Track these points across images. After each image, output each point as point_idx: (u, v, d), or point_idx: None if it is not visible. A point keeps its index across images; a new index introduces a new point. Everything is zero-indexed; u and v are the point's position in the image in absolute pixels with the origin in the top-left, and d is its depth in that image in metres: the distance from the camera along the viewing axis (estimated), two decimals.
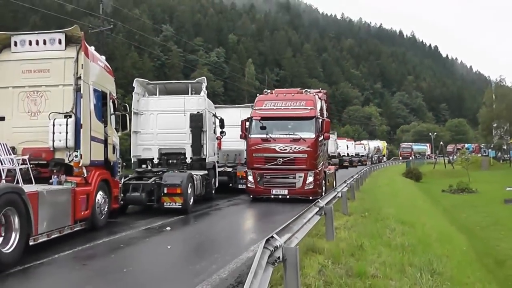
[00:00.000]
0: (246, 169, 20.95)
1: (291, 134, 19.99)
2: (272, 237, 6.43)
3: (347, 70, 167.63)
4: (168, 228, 13.59)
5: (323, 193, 19.51)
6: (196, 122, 18.84)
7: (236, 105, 29.31)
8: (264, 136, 20.16)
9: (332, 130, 67.28)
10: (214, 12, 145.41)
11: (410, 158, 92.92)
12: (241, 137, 21.07)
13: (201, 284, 7.85)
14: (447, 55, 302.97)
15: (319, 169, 20.07)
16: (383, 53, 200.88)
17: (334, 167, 26.63)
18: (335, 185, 23.75)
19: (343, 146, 67.04)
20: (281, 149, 19.75)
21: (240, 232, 13.85)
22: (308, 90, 21.61)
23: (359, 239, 11.03)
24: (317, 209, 11.11)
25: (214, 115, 21.68)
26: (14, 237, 8.96)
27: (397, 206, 20.69)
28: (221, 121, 21.32)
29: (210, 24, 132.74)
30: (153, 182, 16.49)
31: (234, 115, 24.07)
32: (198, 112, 19.36)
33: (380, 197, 23.52)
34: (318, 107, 20.96)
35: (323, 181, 20.77)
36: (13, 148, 11.83)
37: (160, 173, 17.26)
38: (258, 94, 22.00)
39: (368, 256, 9.71)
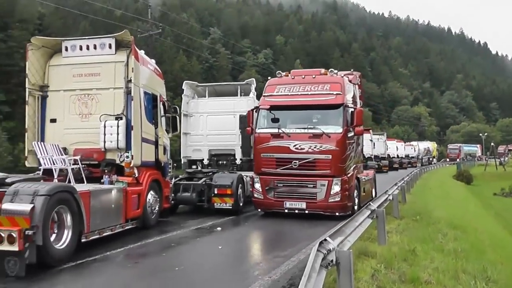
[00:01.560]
0: (252, 174, 15.31)
1: (310, 128, 14.49)
2: (325, 240, 6.07)
3: (395, 69, 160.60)
4: (219, 228, 13.31)
5: (355, 207, 14.30)
6: (246, 123, 17.11)
7: None
8: (275, 130, 14.65)
9: (382, 131, 61.80)
10: (261, 13, 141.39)
11: (458, 159, 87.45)
12: (247, 133, 15.43)
13: (253, 285, 7.44)
14: (496, 52, 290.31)
15: (349, 174, 14.70)
16: (431, 51, 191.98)
17: (372, 171, 20.18)
18: (375, 195, 18.86)
19: (393, 148, 62.76)
20: (297, 148, 14.39)
21: (292, 234, 12.78)
22: (334, 70, 15.55)
23: (411, 244, 10.56)
24: (369, 212, 10.65)
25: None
26: (67, 234, 9.03)
27: (448, 209, 19.58)
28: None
29: (258, 25, 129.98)
30: (204, 183, 16.13)
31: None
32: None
33: (431, 200, 21.92)
34: (348, 93, 15.35)
35: (355, 191, 15.30)
36: (64, 149, 12.07)
37: (210, 173, 16.81)
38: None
39: (421, 261, 9.25)
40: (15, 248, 7.58)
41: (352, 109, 14.55)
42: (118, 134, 11.77)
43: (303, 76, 15.48)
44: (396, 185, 19.44)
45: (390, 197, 15.22)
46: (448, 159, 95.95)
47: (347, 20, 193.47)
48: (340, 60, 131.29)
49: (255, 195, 14.96)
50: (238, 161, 18.44)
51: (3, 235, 7.63)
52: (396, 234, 11.82)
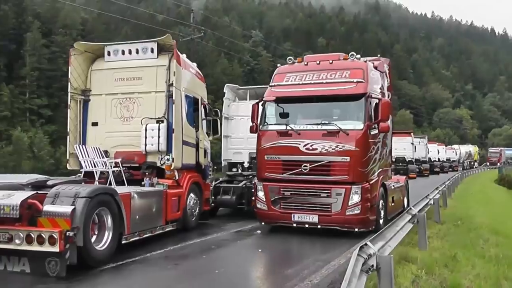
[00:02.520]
0: (255, 181, 12.35)
1: (324, 124, 11.44)
2: (365, 244, 5.90)
3: (437, 70, 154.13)
4: (259, 231, 12.58)
5: (381, 221, 11.78)
6: None
7: None
8: (282, 127, 11.67)
9: (423, 134, 58.10)
10: (303, 16, 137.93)
11: (499, 164, 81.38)
12: (251, 131, 12.43)
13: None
14: None
15: (373, 181, 11.55)
16: (474, 52, 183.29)
17: (403, 178, 16.44)
18: (407, 205, 15.37)
19: (434, 151, 59.53)
20: (308, 149, 11.35)
21: (333, 237, 11.37)
22: (355, 54, 12.37)
23: (452, 249, 9.99)
24: (410, 216, 10.13)
25: None
26: (107, 236, 8.88)
27: (490, 215, 18.59)
28: None
29: (299, 28, 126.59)
30: (244, 186, 15.41)
31: None
32: None
33: (473, 205, 20.66)
34: (373, 82, 12.18)
35: (381, 201, 12.06)
36: (105, 152, 12.01)
37: (250, 176, 15.86)
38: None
39: (462, 268, 8.74)
40: (56, 249, 7.48)
41: (377, 101, 11.44)
42: (159, 137, 11.64)
43: (318, 62, 12.26)
44: (437, 189, 18.36)
45: (431, 202, 14.36)
46: (488, 163, 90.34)
47: (389, 21, 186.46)
48: None
49: (258, 205, 11.97)
50: None
51: (44, 236, 7.54)
52: (437, 239, 11.26)
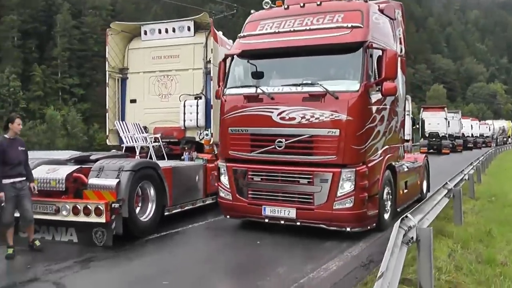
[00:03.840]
0: (218, 162, 9.12)
1: (306, 85, 7.97)
2: (406, 216, 5.60)
3: (472, 44, 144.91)
4: None
5: (386, 216, 8.57)
6: None
7: None
8: (251, 90, 8.33)
9: (456, 109, 53.74)
10: None
11: None
12: (216, 96, 9.16)
13: (333, 260, 6.86)
14: None
15: (373, 163, 7.99)
16: (509, 24, 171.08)
17: (422, 156, 12.59)
18: (427, 190, 12.20)
19: (467, 126, 54.60)
20: (283, 118, 7.95)
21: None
22: None
23: (487, 225, 9.34)
24: (446, 191, 9.31)
25: None
26: (151, 208, 8.65)
27: None
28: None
29: None
30: None
31: None
32: None
33: (507, 181, 18.69)
34: (378, 30, 8.48)
35: (386, 189, 8.54)
36: (145, 128, 11.83)
37: None
38: None
39: (497, 243, 8.23)
40: (102, 220, 7.49)
41: (380, 53, 7.77)
42: (197, 113, 11.36)
43: (302, 5, 8.55)
44: (471, 164, 17.19)
45: (466, 177, 13.29)
46: None
47: None
48: (415, 35, 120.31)
49: (221, 194, 8.66)
50: None
51: (90, 208, 7.55)
52: (471, 214, 10.62)
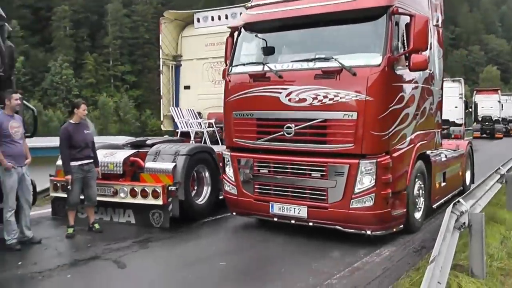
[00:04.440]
0: (222, 151, 7.90)
1: (318, 60, 6.53)
2: (458, 201, 5.41)
3: None
4: None
5: (417, 215, 7.13)
6: None
7: None
8: (257, 69, 6.97)
9: (510, 92, 50.05)
10: None
11: None
12: (223, 76, 7.88)
13: (386, 245, 6.43)
14: None
15: (399, 152, 6.48)
16: None
17: (465, 143, 10.55)
18: (470, 181, 10.44)
19: None
20: (292, 100, 6.55)
21: None
22: None
23: None
24: (498, 176, 8.68)
25: None
26: (206, 191, 8.59)
27: None
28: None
29: None
30: None
31: None
32: None
33: None
34: None
35: (418, 184, 7.04)
36: (199, 113, 11.82)
37: None
38: None
39: None
40: (159, 202, 7.52)
41: (408, 19, 6.25)
42: None
43: None
44: None
45: None
46: None
47: None
48: (468, 16, 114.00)
49: (226, 187, 7.40)
50: None
51: (147, 190, 7.58)
52: None
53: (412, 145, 6.77)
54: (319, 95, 6.27)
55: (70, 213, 7.27)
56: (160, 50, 12.17)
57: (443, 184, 8.13)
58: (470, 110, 30.57)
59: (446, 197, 8.37)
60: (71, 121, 7.33)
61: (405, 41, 6.38)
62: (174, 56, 12.44)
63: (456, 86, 25.69)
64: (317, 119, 6.32)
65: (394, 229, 6.44)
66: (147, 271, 5.88)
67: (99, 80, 71.19)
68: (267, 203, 6.80)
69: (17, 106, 6.68)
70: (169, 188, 7.45)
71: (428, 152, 7.53)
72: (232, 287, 5.45)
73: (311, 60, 6.53)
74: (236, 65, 7.27)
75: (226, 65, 7.58)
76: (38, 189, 8.32)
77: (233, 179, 7.16)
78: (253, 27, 7.24)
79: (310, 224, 6.55)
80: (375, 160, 6.04)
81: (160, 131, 12.16)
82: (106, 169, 8.04)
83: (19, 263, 6.00)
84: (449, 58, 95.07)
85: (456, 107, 25.16)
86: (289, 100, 6.50)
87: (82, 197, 7.37)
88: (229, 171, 7.22)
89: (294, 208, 6.56)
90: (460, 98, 25.76)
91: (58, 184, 8.15)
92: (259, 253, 6.50)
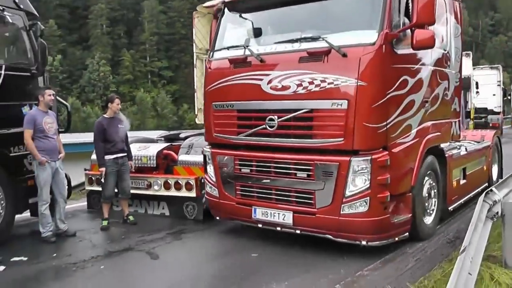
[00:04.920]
0: (203, 147, 6.92)
1: (304, 41, 5.46)
2: (491, 190, 5.09)
3: None
4: None
5: (429, 222, 6.07)
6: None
7: None
8: (237, 53, 5.93)
9: None
10: None
11: None
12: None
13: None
14: None
15: (403, 147, 5.34)
16: None
17: (491, 133, 8.81)
18: (498, 176, 9.02)
19: None
20: (275, 88, 5.47)
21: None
22: None
23: None
24: None
25: None
26: None
27: None
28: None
29: None
30: None
31: None
32: None
33: None
34: None
35: (428, 184, 5.91)
36: None
37: None
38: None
39: None
40: (192, 194, 7.40)
41: None
42: None
43: None
44: None
45: None
46: None
47: None
48: (508, 1, 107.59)
49: (207, 188, 6.48)
50: None
51: (181, 183, 7.49)
52: None
53: (420, 138, 5.64)
54: (304, 81, 5.23)
55: (104, 206, 7.32)
56: (194, 44, 11.73)
57: (462, 181, 6.95)
58: (509, 97, 28.47)
59: (467, 196, 7.14)
60: (105, 115, 7.33)
61: (407, 14, 5.23)
62: (208, 49, 11.58)
63: (494, 73, 24.06)
64: (302, 109, 5.26)
65: (396, 238, 5.35)
66: (179, 262, 5.76)
67: (136, 76, 71.54)
68: (250, 207, 5.80)
69: (50, 102, 6.62)
70: (202, 180, 7.09)
71: (443, 145, 6.34)
72: (263, 278, 4.96)
73: (296, 41, 5.47)
74: (218, 50, 6.29)
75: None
76: (76, 183, 8.86)
77: (214, 179, 6.22)
78: (235, 6, 6.26)
79: (297, 232, 5.51)
80: (369, 157, 4.96)
81: (197, 125, 11.74)
82: (139, 162, 7.99)
83: (54, 254, 5.95)
84: (488, 44, 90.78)
85: (494, 94, 23.51)
86: (271, 88, 5.49)
87: (116, 190, 7.39)
88: (210, 170, 6.27)
89: (279, 214, 5.55)
90: (498, 85, 24.08)
91: (93, 178, 8.16)
92: (291, 245, 5.81)
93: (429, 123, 5.87)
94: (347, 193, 5.04)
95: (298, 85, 5.27)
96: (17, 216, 6.80)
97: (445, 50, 6.26)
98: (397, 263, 5.23)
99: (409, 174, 5.41)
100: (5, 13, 6.38)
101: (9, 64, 6.47)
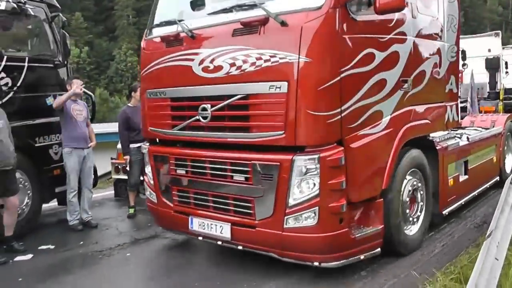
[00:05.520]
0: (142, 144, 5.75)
1: (239, 10, 4.15)
2: None
3: None
4: None
5: (408, 235, 4.70)
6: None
7: (477, 35, 19.71)
8: (170, 30, 4.71)
9: None
10: None
11: None
12: None
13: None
14: None
15: (365, 140, 4.03)
16: None
17: (503, 119, 7.12)
18: (510, 171, 7.48)
19: None
20: (206, 69, 4.25)
21: None
22: None
23: None
24: None
25: None
26: None
27: None
28: (463, 52, 13.68)
29: None
30: None
31: (475, 46, 15.54)
32: None
33: None
34: None
35: (405, 186, 4.53)
36: None
37: None
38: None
39: None
40: None
41: None
42: None
43: None
44: None
45: None
46: None
47: None
48: None
49: (147, 193, 5.29)
50: None
51: None
52: None
53: (395, 127, 4.36)
54: (238, 59, 4.04)
55: (131, 194, 7.23)
56: None
57: (463, 178, 5.62)
58: None
59: (471, 195, 5.81)
60: (129, 104, 7.26)
61: None
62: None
63: None
64: (237, 94, 4.06)
65: (362, 257, 4.11)
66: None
67: None
68: (187, 216, 4.68)
69: (78, 90, 6.45)
70: None
71: (434, 135, 5.02)
72: None
73: (230, 10, 4.24)
74: (154, 27, 5.13)
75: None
76: (104, 172, 9.02)
77: (152, 182, 5.08)
78: None
79: (240, 248, 4.35)
80: (316, 155, 3.72)
81: None
82: None
83: (81, 242, 5.91)
84: None
85: None
86: (203, 69, 4.32)
87: (142, 178, 6.92)
88: (148, 171, 5.14)
89: (216, 226, 4.40)
90: None
91: (119, 166, 8.05)
92: None
93: (410, 108, 4.57)
94: (291, 201, 3.84)
95: (231, 65, 4.08)
96: (45, 205, 6.81)
97: (433, 17, 4.90)
98: (423, 248, 4.88)
99: (378, 174, 4.16)
100: (27, 5, 6.34)
101: (32, 56, 6.47)
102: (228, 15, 4.24)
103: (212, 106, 4.24)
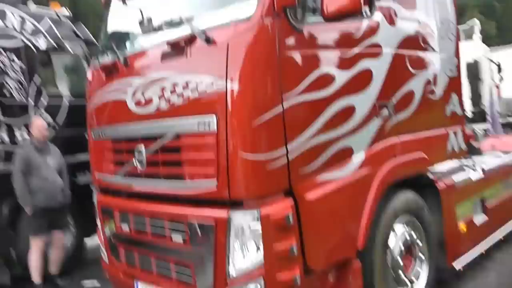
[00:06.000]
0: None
1: (169, 27, 3.32)
2: None
3: None
4: None
5: None
6: (473, 71, 13.55)
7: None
8: (108, 58, 3.95)
9: None
10: None
11: None
12: None
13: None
14: None
15: (332, 187, 3.04)
16: None
17: None
18: None
19: None
20: (139, 103, 3.41)
21: None
22: None
23: None
24: None
25: (490, 60, 14.94)
26: None
27: None
28: (498, 65, 14.40)
29: None
30: None
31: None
32: (474, 60, 13.83)
33: None
34: None
35: (392, 243, 3.44)
36: None
37: None
38: None
39: None
40: None
41: None
42: None
43: None
44: None
45: None
46: None
47: None
48: None
49: (101, 253, 4.44)
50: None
51: None
52: None
53: (372, 165, 3.35)
54: (166, 90, 3.20)
55: None
56: None
57: (478, 219, 4.44)
58: None
59: (492, 239, 4.64)
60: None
61: None
62: None
63: None
64: (167, 134, 3.22)
65: None
66: None
67: None
68: (132, 279, 3.83)
69: None
70: None
71: (435, 170, 3.97)
72: None
73: (159, 29, 3.44)
74: (100, 53, 4.41)
75: None
76: None
77: (102, 237, 4.28)
78: None
79: None
80: (256, 211, 2.79)
81: None
82: None
83: None
84: None
85: None
86: (136, 103, 3.50)
87: None
88: (99, 223, 4.35)
89: None
90: None
91: None
92: None
93: (394, 140, 3.56)
94: (231, 271, 2.91)
95: (160, 97, 3.25)
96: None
97: (420, 23, 3.92)
98: None
99: (350, 232, 3.16)
100: (65, 43, 6.60)
101: (72, 93, 6.63)
102: (159, 34, 3.44)
103: (145, 147, 3.42)
